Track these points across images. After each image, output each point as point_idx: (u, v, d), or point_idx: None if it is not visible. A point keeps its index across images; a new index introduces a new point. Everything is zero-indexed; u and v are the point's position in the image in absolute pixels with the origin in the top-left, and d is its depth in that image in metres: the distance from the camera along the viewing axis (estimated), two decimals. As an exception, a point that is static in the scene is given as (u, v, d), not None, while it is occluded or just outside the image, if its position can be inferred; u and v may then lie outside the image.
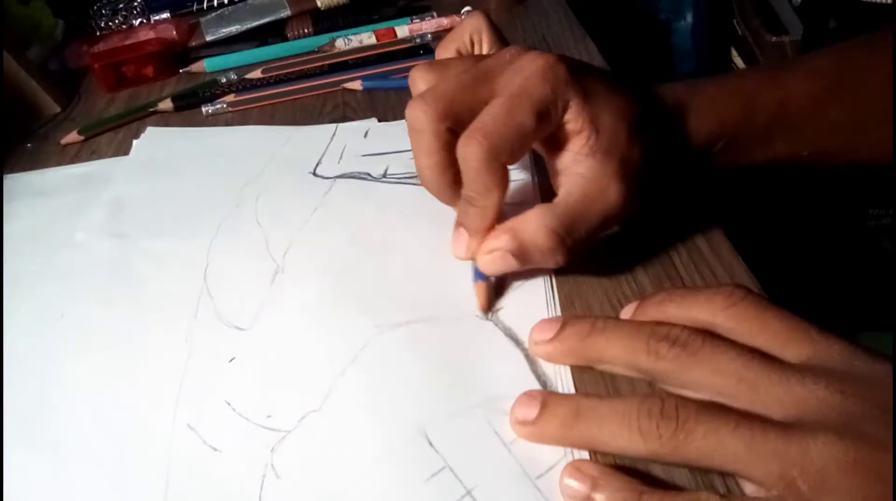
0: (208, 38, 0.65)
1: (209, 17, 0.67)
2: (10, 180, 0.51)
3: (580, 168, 0.33)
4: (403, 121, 0.50)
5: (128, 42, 0.65)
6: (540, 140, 0.34)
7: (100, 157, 0.52)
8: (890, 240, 0.53)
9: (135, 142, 0.53)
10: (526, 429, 0.28)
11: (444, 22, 0.64)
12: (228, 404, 0.32)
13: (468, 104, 0.33)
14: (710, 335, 0.27)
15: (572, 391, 0.31)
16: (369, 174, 0.46)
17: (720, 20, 0.76)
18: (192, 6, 0.68)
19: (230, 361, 0.34)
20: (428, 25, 0.64)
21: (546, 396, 0.29)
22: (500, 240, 0.33)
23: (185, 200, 0.46)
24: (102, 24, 0.68)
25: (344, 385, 0.32)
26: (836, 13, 0.69)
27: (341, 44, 0.63)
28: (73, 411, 0.33)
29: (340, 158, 0.48)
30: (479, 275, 0.35)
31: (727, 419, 0.24)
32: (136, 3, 0.68)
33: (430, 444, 0.29)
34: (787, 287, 0.38)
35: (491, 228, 0.34)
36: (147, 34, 0.65)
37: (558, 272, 0.36)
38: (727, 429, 0.24)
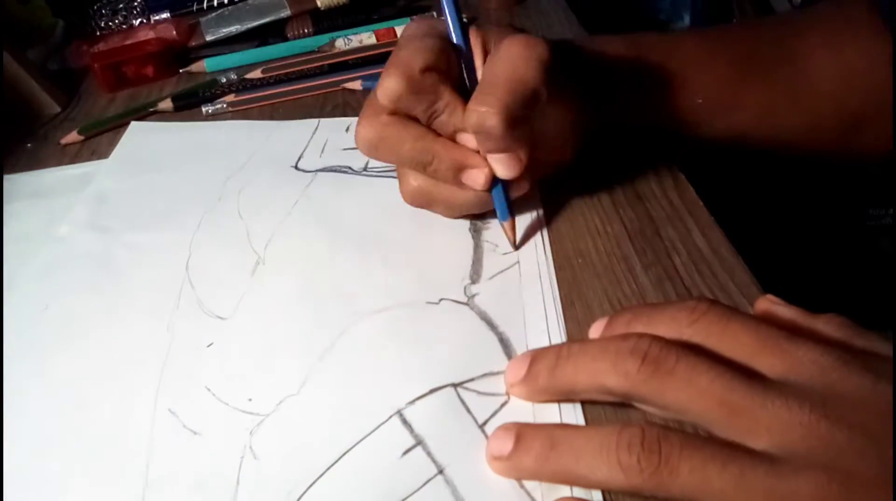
0: (208, 38, 0.65)
1: (209, 17, 0.67)
2: (10, 181, 0.51)
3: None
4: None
5: (128, 42, 0.65)
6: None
7: (100, 157, 0.52)
8: (890, 240, 0.53)
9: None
10: (501, 464, 0.27)
11: (444, 22, 0.64)
12: (208, 389, 0.33)
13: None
14: (684, 350, 0.26)
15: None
16: (350, 168, 0.46)
17: (720, 20, 0.76)
18: (192, 6, 0.69)
19: (208, 346, 0.35)
20: (428, 25, 0.64)
21: (521, 428, 0.27)
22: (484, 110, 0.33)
23: (167, 194, 0.47)
24: (102, 24, 0.68)
25: (321, 370, 0.33)
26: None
27: (341, 44, 0.63)
28: (56, 398, 0.33)
29: (322, 152, 0.49)
30: (503, 214, 0.37)
31: (714, 455, 0.23)
32: (136, 3, 0.69)
33: (405, 424, 0.30)
34: (787, 287, 0.38)
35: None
36: (147, 34, 0.65)
37: (558, 273, 0.36)
38: (714, 468, 0.23)
